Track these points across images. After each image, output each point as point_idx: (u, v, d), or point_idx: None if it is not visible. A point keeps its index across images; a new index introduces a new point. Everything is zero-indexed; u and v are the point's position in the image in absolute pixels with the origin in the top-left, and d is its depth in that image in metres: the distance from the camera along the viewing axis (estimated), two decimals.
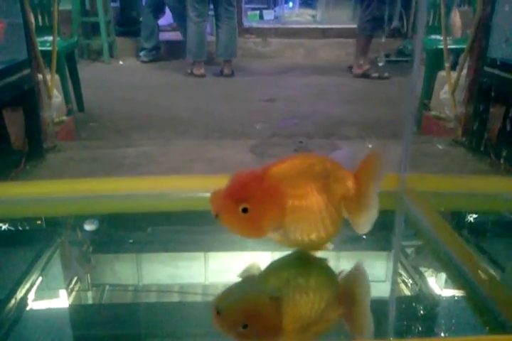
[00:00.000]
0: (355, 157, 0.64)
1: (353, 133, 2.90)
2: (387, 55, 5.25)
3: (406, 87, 4.12)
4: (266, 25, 6.02)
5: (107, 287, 0.68)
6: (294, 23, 6.20)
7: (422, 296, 0.69)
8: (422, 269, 0.75)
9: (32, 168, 1.95)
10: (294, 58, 5.44)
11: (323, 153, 2.19)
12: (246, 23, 6.01)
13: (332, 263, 0.70)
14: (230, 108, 3.50)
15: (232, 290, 0.63)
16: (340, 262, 0.73)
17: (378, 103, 3.64)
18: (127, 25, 5.49)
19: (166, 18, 5.38)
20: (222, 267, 0.70)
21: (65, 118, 2.59)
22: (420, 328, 0.60)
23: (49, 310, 0.63)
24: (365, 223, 0.65)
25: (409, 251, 0.83)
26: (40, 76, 2.23)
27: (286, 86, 4.19)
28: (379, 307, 0.65)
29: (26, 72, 2.00)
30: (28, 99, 2.06)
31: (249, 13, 6.24)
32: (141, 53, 5.06)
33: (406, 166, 0.85)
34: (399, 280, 0.71)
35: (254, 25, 6.03)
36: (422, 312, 0.64)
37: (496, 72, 1.98)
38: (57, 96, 2.46)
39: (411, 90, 0.97)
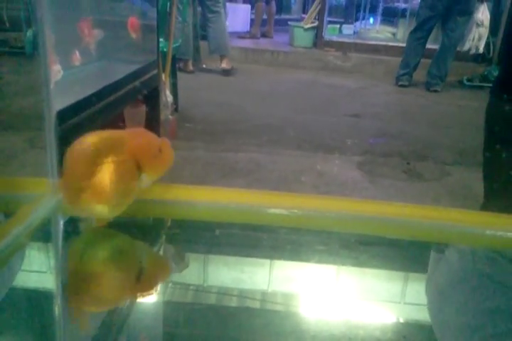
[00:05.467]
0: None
1: (447, 156, 2.86)
2: (469, 80, 5.16)
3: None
4: (346, 40, 6.03)
5: (173, 285, 0.73)
6: (374, 39, 6.19)
7: None
8: None
9: None
10: (374, 75, 5.42)
11: (431, 177, 2.15)
12: (326, 36, 6.04)
13: None
14: (317, 120, 3.51)
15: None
16: None
17: (461, 127, 3.59)
18: None
19: None
20: (286, 276, 0.72)
21: (170, 117, 2.67)
22: None
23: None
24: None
25: None
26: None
27: (370, 102, 4.18)
28: None
29: (155, 71, 2.08)
30: (152, 97, 2.13)
31: (329, 26, 6.26)
32: None
33: None
34: None
35: (334, 38, 6.05)
36: None
37: None
38: (168, 96, 2.55)
39: None
